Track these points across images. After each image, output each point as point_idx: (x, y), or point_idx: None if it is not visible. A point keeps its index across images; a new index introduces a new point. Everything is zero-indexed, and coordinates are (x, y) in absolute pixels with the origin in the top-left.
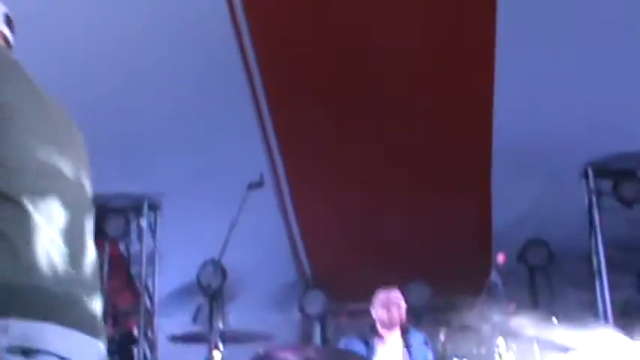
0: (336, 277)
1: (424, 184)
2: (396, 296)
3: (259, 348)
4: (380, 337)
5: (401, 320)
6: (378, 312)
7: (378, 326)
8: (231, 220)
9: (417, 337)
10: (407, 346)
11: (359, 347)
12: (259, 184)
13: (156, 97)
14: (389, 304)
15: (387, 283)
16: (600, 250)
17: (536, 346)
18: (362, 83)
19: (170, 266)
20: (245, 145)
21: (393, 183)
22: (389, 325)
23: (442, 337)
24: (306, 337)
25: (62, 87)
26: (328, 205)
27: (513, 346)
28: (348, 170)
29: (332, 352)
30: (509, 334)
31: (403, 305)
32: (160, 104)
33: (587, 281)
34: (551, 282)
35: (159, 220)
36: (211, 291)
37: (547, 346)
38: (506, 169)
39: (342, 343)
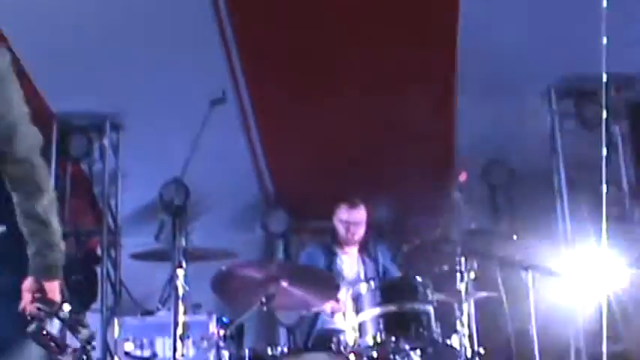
0: (299, 195)
1: (389, 104)
2: (358, 215)
3: (222, 265)
4: (341, 249)
5: (360, 238)
6: (338, 228)
7: (339, 240)
8: (193, 138)
9: (384, 253)
10: (369, 259)
11: (321, 257)
12: (221, 101)
13: (118, 15)
14: (349, 223)
15: (350, 201)
16: (561, 170)
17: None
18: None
19: (133, 185)
20: (207, 62)
21: (357, 101)
22: (348, 242)
23: (404, 254)
24: (268, 255)
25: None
26: (291, 122)
27: (474, 263)
28: (311, 87)
29: (294, 268)
30: (471, 252)
31: (364, 223)
32: (123, 22)
33: (547, 201)
34: (513, 201)
35: (121, 139)
36: (174, 208)
37: (507, 263)
38: (471, 90)
39: (305, 253)
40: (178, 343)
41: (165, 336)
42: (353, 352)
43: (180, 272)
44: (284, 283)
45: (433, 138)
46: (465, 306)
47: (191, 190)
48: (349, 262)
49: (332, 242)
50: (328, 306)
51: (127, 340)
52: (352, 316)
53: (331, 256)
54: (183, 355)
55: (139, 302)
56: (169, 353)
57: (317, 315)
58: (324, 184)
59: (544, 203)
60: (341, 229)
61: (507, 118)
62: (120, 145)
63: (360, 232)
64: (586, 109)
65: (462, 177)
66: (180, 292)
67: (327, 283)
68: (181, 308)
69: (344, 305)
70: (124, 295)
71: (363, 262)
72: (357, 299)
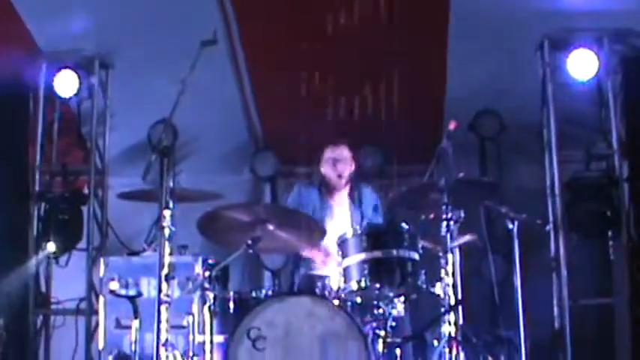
0: (288, 139)
1: (380, 52)
2: (343, 152)
3: (209, 207)
4: (331, 197)
5: (347, 179)
6: (325, 168)
7: (327, 183)
8: (183, 79)
9: (370, 196)
10: (356, 202)
11: (312, 197)
12: (213, 42)
13: None
14: (335, 160)
15: (334, 142)
16: (552, 124)
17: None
18: None
19: (121, 125)
20: (198, 1)
21: (348, 45)
22: (336, 181)
23: (390, 200)
24: (255, 199)
25: None
26: (281, 64)
27: (461, 212)
28: (304, 28)
29: (281, 211)
30: (458, 201)
31: (351, 162)
32: None
33: (536, 155)
34: (501, 153)
35: (110, 78)
36: (162, 149)
37: (493, 213)
38: (463, 40)
39: (297, 189)
40: (163, 283)
41: (150, 276)
42: (337, 297)
43: (166, 213)
44: (270, 226)
45: (424, 88)
46: (449, 255)
47: (179, 131)
48: (339, 209)
49: (320, 188)
50: (319, 257)
51: (113, 279)
52: (337, 261)
53: (324, 198)
54: (167, 296)
55: (125, 242)
56: (154, 293)
57: (302, 259)
58: (314, 129)
59: (533, 156)
60: (328, 169)
61: (499, 70)
62: (109, 85)
63: (346, 171)
64: (578, 62)
65: (452, 125)
66: (167, 233)
67: (314, 227)
68: (167, 249)
69: (334, 257)
70: (110, 235)
71: (351, 208)
72: (342, 244)
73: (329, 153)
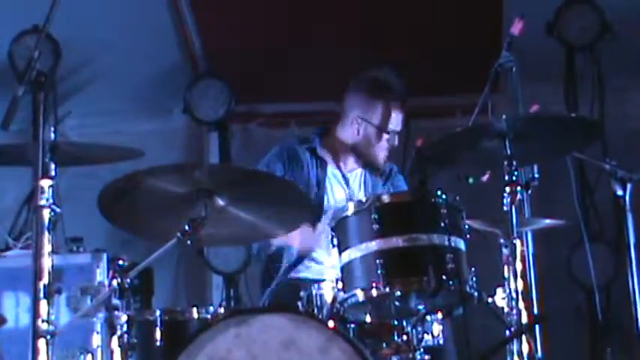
0: (247, 60)
1: None
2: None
3: (118, 173)
4: (336, 158)
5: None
6: (369, 138)
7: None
8: None
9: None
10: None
11: (304, 162)
12: None
13: None
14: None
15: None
16: None
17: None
18: None
19: None
20: None
21: None
22: (373, 154)
23: (417, 156)
24: (194, 156)
25: None
26: None
27: (534, 172)
28: None
29: (238, 176)
30: (528, 154)
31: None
32: None
33: None
34: (602, 72)
35: None
36: (35, 76)
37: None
38: None
39: (276, 151)
40: (42, 301)
41: (19, 290)
42: (333, 314)
43: (45, 184)
44: (219, 202)
45: None
46: (517, 244)
47: (64, 48)
48: (352, 179)
49: (319, 143)
50: (295, 240)
51: None
52: (333, 254)
53: (322, 164)
54: (49, 322)
55: None
56: (26, 318)
57: (278, 254)
58: (293, 40)
59: None
60: (370, 130)
61: None
62: None
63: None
64: None
65: (517, 27)
66: (47, 217)
67: (298, 202)
68: (48, 245)
69: (320, 238)
70: None
71: (365, 181)
72: (341, 227)
73: (392, 110)
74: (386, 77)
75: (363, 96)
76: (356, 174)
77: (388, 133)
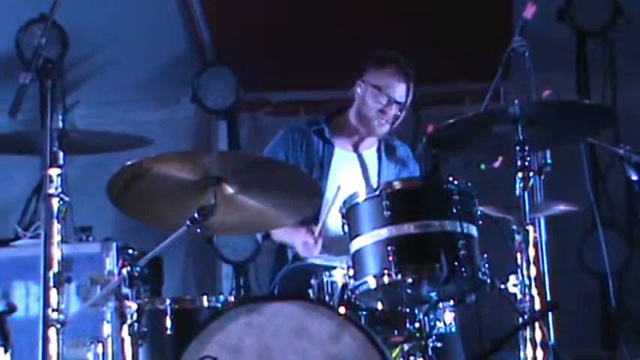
0: (255, 48)
1: None
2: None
3: (127, 160)
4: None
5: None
6: (368, 102)
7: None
8: None
9: (401, 148)
10: (390, 159)
11: (308, 145)
12: None
13: None
14: (395, 103)
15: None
16: None
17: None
18: None
19: None
20: None
21: None
22: (371, 131)
23: (429, 140)
24: (203, 143)
25: None
26: None
27: (547, 157)
28: None
29: (247, 163)
30: (541, 139)
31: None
32: None
33: None
34: (615, 58)
35: None
36: (42, 64)
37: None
38: None
39: (279, 137)
40: (52, 290)
41: (29, 280)
42: (344, 302)
43: (54, 173)
44: (229, 189)
45: None
46: (530, 230)
47: (72, 37)
48: (367, 158)
49: (327, 126)
50: (296, 242)
51: None
52: (343, 242)
53: (328, 146)
54: (59, 311)
55: None
56: (36, 307)
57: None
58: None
59: None
60: (372, 92)
61: None
62: None
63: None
64: None
65: (530, 11)
66: (55, 206)
67: (307, 190)
68: (57, 234)
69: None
70: None
71: (379, 163)
72: (352, 214)
73: (396, 79)
74: (394, 55)
75: (370, 67)
76: (372, 154)
77: (390, 100)
